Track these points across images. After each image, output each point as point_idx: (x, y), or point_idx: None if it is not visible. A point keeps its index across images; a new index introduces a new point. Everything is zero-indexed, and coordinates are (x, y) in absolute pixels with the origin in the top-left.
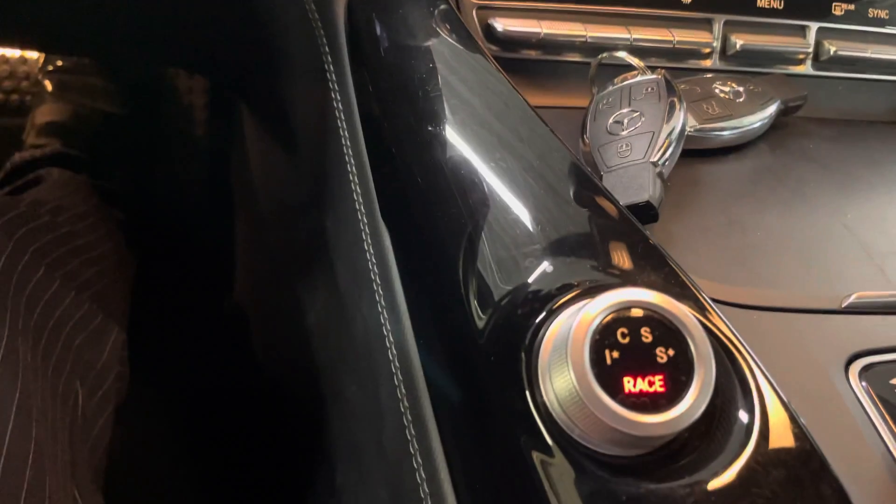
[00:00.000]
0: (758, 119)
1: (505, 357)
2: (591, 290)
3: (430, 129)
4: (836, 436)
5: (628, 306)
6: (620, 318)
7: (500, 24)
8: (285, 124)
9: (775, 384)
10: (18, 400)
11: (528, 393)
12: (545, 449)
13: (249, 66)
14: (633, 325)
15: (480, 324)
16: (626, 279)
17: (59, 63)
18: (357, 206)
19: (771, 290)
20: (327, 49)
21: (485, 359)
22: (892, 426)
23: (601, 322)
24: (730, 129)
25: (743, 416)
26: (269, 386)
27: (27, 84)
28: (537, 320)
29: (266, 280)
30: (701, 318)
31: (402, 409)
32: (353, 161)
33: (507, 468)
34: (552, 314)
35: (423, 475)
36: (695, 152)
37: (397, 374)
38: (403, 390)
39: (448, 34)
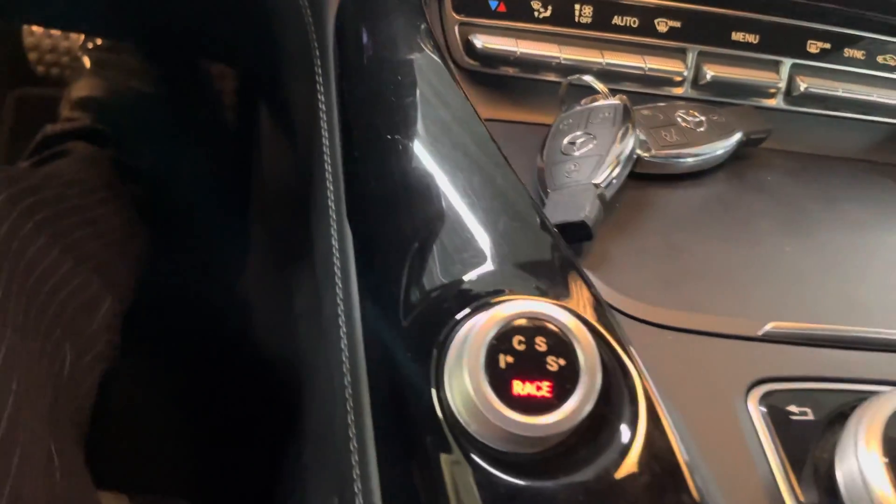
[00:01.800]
0: (716, 149)
1: (419, 355)
2: (499, 300)
3: (388, 137)
4: (726, 456)
5: (527, 316)
6: (519, 326)
7: (480, 41)
8: (287, 121)
9: (658, 398)
10: (3, 355)
11: (433, 390)
12: (443, 442)
13: (261, 61)
14: (530, 334)
15: (405, 322)
16: (535, 291)
17: (99, 41)
18: (329, 204)
19: (693, 313)
20: (318, 52)
21: (404, 354)
22: (781, 452)
23: (500, 329)
24: (686, 157)
25: (624, 425)
26: (260, 366)
27: (67, 59)
28: (448, 324)
29: (269, 266)
30: (599, 333)
31: (347, 397)
32: (329, 162)
33: (414, 459)
34: (463, 319)
35: (357, 459)
36: (651, 177)
37: (346, 363)
38: (349, 378)
39: (423, 52)
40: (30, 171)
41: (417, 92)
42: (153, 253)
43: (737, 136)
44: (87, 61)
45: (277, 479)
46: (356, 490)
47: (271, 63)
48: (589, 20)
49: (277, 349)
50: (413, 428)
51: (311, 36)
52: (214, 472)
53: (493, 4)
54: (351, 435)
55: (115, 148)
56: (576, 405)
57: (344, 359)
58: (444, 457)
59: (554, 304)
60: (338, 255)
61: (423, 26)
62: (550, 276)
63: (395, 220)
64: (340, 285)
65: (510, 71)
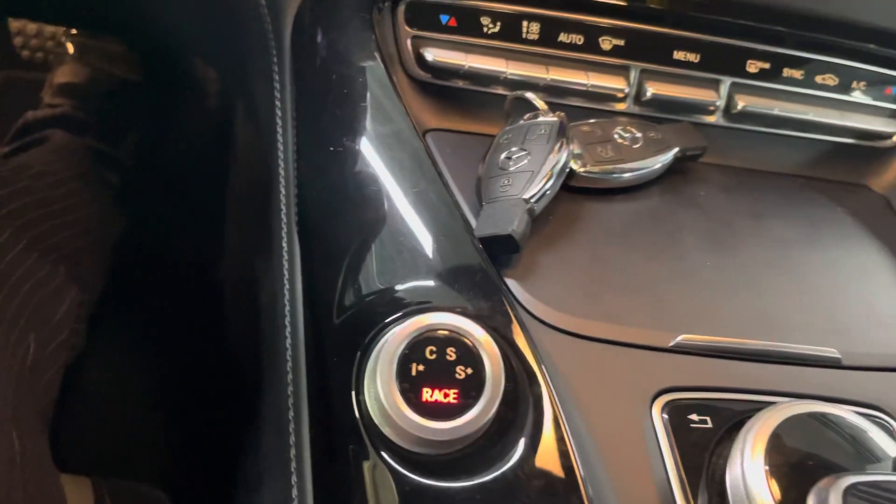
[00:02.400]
0: (651, 165)
1: (344, 358)
2: (418, 311)
3: (331, 149)
4: (627, 461)
5: (438, 328)
6: (432, 337)
7: (431, 54)
8: (254, 118)
9: (559, 406)
10: None
11: (353, 392)
12: (360, 441)
13: (228, 58)
14: (441, 344)
15: (336, 322)
16: (455, 303)
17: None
18: (281, 206)
19: (609, 324)
20: (275, 56)
21: (332, 356)
22: (678, 458)
23: (413, 339)
24: (620, 173)
25: (527, 431)
26: (229, 355)
27: (52, 44)
28: (371, 331)
29: (241, 256)
30: (510, 342)
31: (289, 393)
32: (283, 166)
33: (337, 456)
34: (384, 327)
35: (294, 453)
36: (589, 191)
37: (289, 360)
38: (291, 376)
39: (369, 67)
40: (0, 162)
41: (361, 106)
42: (129, 240)
43: (672, 153)
44: (70, 47)
45: (240, 467)
46: (293, 482)
47: (236, 61)
48: (536, 36)
49: (244, 339)
50: (336, 426)
51: (270, 41)
52: (184, 459)
53: (443, 19)
54: (290, 430)
55: (93, 135)
56: (478, 412)
57: (288, 357)
58: (360, 454)
59: (465, 316)
60: (286, 256)
61: (372, 41)
62: (471, 289)
63: (335, 229)
64: (287, 286)
65: (460, 83)
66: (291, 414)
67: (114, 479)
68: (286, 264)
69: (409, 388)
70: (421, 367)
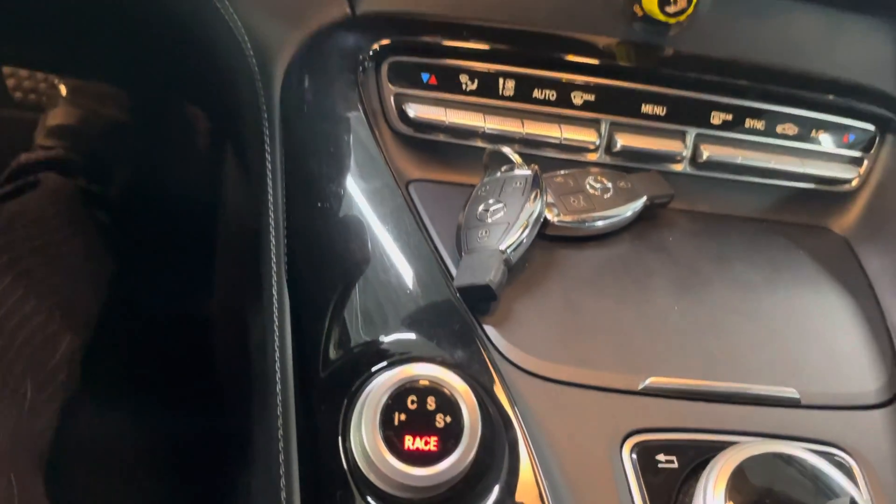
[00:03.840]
0: (621, 213)
1: (331, 407)
2: (400, 361)
3: (318, 205)
4: (597, 501)
5: (419, 379)
6: (413, 387)
7: (413, 110)
8: (245, 164)
9: (533, 450)
10: None
11: (340, 439)
12: (346, 487)
13: (220, 106)
14: (422, 394)
15: (323, 374)
16: (435, 353)
17: None
18: (271, 257)
19: (582, 368)
20: (265, 106)
21: (320, 404)
22: (646, 497)
23: (395, 390)
24: (592, 221)
25: (503, 475)
26: (219, 394)
27: (45, 86)
28: (356, 382)
29: (230, 301)
30: (488, 391)
31: (279, 437)
32: (272, 215)
33: (323, 499)
34: (369, 378)
35: (285, 496)
36: (563, 238)
37: (280, 405)
38: (282, 420)
39: (353, 125)
40: None
41: (346, 162)
42: (120, 278)
43: (641, 201)
44: (62, 88)
45: None
46: None
47: (227, 110)
48: (511, 93)
49: (235, 385)
50: (325, 472)
51: (260, 95)
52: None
53: (424, 77)
54: (281, 474)
55: (85, 176)
56: (457, 458)
57: (278, 402)
58: (347, 499)
59: (444, 366)
60: (276, 305)
61: (356, 97)
62: (450, 338)
63: (322, 280)
64: (277, 333)
65: (441, 137)
66: (282, 457)
67: None
68: (276, 312)
69: (392, 435)
70: (403, 417)
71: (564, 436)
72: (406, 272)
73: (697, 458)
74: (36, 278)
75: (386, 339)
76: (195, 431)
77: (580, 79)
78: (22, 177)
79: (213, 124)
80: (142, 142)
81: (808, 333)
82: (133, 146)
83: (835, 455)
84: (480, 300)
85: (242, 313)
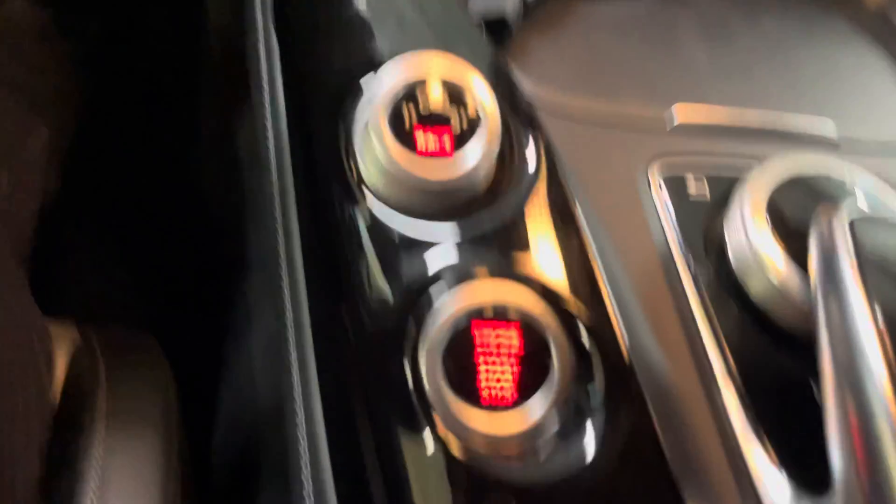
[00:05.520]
0: None
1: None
2: None
3: None
4: (629, 232)
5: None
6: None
7: None
8: None
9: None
10: None
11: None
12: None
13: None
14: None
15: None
16: None
17: None
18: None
19: (606, 100)
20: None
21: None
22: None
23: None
24: None
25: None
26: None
27: None
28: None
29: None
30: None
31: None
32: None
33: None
34: None
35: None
36: None
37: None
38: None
39: None
40: None
41: None
42: (97, 109)
43: None
44: None
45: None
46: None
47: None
48: None
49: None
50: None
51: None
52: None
53: None
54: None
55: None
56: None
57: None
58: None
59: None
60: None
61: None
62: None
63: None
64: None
65: None
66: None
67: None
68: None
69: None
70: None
71: (589, 162)
72: None
73: (730, 178)
74: (8, 72)
75: None
76: (195, 248)
77: None
78: None
79: None
80: None
81: (846, 83)
82: None
83: None
84: (496, 32)
85: (233, 136)
